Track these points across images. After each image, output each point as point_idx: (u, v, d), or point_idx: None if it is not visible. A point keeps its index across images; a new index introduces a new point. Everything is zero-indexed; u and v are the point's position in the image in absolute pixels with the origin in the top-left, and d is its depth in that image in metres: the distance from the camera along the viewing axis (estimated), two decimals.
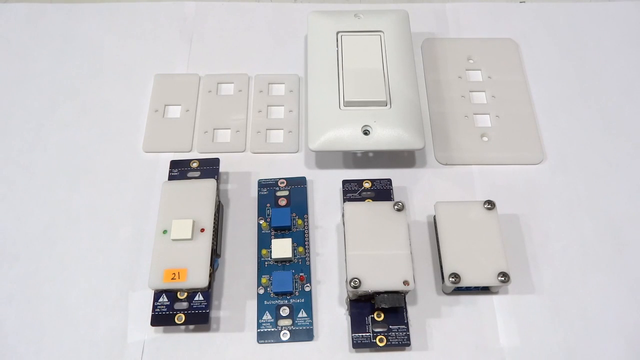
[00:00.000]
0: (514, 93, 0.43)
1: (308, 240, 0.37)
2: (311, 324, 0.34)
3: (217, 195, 0.37)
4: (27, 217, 0.38)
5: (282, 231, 0.37)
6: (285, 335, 0.34)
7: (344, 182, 0.38)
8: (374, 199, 0.37)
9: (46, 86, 0.44)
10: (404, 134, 0.37)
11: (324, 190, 0.39)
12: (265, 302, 0.35)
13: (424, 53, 0.45)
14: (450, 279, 0.33)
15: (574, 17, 0.48)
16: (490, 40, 0.46)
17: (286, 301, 0.35)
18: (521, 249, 0.37)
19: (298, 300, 0.35)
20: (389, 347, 0.33)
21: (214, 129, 0.42)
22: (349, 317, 0.34)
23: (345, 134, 0.37)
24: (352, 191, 0.38)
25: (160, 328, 0.34)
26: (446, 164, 0.40)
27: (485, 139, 0.41)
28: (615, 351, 0.34)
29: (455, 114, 0.42)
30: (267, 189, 0.38)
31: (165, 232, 0.34)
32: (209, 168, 0.38)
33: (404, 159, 0.41)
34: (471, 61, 0.45)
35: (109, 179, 0.40)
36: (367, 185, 0.38)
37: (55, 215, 0.38)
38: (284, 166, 0.40)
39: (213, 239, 0.34)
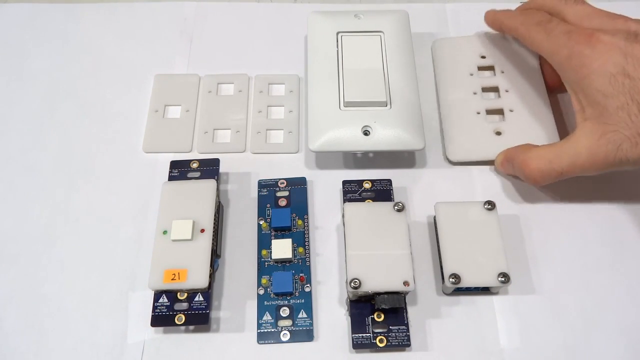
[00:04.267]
0: (527, 90, 0.42)
1: (308, 241, 0.37)
2: (311, 324, 0.34)
3: (217, 195, 0.37)
4: (27, 217, 0.38)
5: (282, 232, 0.37)
6: (285, 335, 0.34)
7: (344, 182, 0.38)
8: (374, 199, 0.37)
9: (46, 86, 0.44)
10: (404, 135, 0.37)
11: (324, 191, 0.39)
12: (265, 303, 0.35)
13: (434, 52, 0.44)
14: (451, 280, 0.33)
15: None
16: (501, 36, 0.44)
17: (286, 302, 0.35)
18: (521, 249, 0.37)
19: (298, 301, 0.35)
20: (389, 347, 0.33)
21: (214, 130, 0.42)
22: (349, 318, 0.34)
23: (345, 135, 0.37)
24: (352, 191, 0.38)
25: (160, 328, 0.34)
26: (457, 163, 0.40)
27: (499, 135, 0.40)
28: (615, 351, 0.34)
29: (465, 111, 0.41)
30: (267, 190, 0.38)
31: (165, 232, 0.34)
32: (209, 168, 0.38)
33: (404, 159, 0.41)
34: (484, 58, 0.43)
35: (109, 179, 0.40)
36: (367, 185, 0.38)
37: (55, 215, 0.38)
38: (284, 166, 0.40)
39: (213, 239, 0.34)
